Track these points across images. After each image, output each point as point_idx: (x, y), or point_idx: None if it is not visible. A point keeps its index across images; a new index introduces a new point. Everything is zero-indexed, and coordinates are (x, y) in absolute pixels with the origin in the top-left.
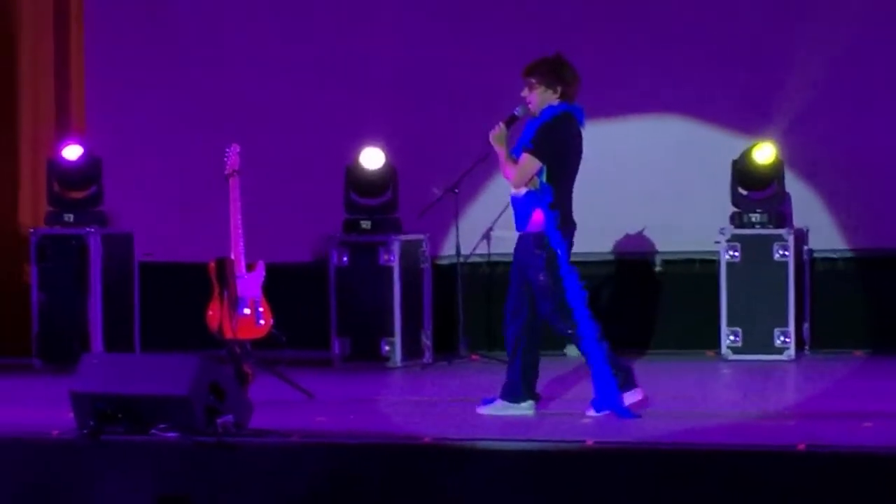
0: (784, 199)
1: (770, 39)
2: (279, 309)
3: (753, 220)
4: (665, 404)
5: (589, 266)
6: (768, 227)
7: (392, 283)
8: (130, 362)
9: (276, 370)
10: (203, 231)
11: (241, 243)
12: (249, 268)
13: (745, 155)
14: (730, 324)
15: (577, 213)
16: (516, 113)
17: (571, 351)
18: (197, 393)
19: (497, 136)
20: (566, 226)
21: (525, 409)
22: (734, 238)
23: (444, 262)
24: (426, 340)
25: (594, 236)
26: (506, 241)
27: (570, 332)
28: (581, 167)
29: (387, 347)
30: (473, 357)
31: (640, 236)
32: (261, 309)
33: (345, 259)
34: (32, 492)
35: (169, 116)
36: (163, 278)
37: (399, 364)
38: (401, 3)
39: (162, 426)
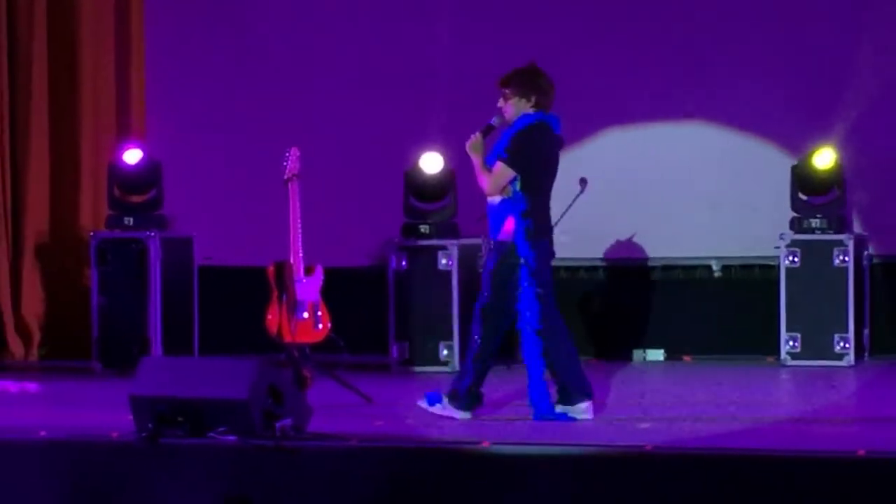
0: (844, 204)
1: (829, 44)
2: (337, 313)
3: (813, 225)
4: (723, 409)
5: (650, 271)
6: (828, 233)
7: (450, 287)
8: (189, 366)
9: (334, 374)
10: (262, 235)
11: (300, 247)
12: (308, 272)
13: (805, 160)
14: (789, 329)
15: (641, 220)
16: (493, 123)
17: (638, 356)
18: (255, 396)
19: (473, 145)
20: (540, 235)
21: (581, 411)
22: (794, 243)
23: None
24: None
25: (653, 241)
26: (565, 245)
27: (476, 336)
28: (640, 173)
29: (445, 352)
30: None
31: (698, 241)
32: (319, 313)
33: (403, 263)
34: (91, 494)
35: (229, 120)
36: (222, 282)
37: (457, 368)
38: (460, 6)
39: (220, 429)
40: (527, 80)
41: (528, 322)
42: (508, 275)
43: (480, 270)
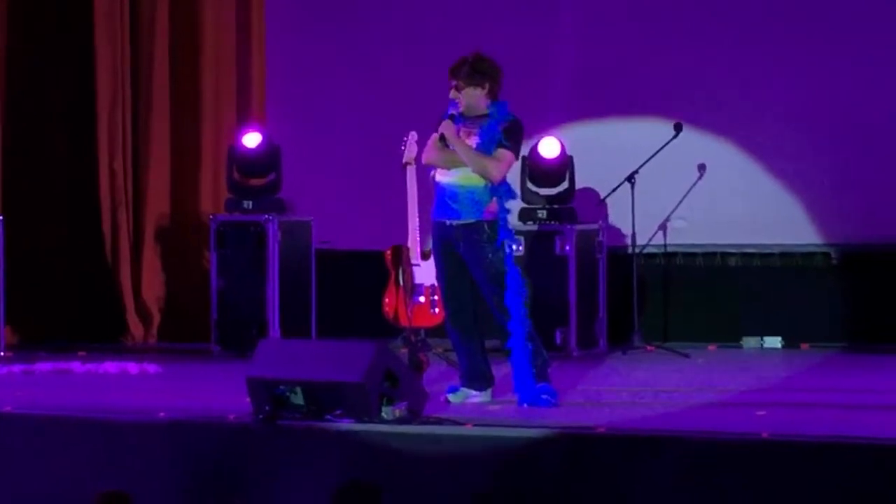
0: None
1: None
2: None
3: None
4: (840, 397)
5: (768, 258)
6: None
7: (567, 272)
8: (306, 348)
9: (450, 358)
10: (380, 219)
11: (418, 232)
12: (425, 256)
13: None
14: None
15: (758, 206)
16: (453, 112)
17: (747, 343)
18: (372, 379)
19: (453, 132)
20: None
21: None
22: None
23: (620, 252)
24: (600, 330)
25: (770, 227)
26: (683, 231)
27: (506, 321)
28: (756, 158)
29: (561, 337)
30: (648, 348)
31: (817, 227)
32: (436, 297)
33: (520, 248)
34: (208, 475)
35: (348, 104)
36: (339, 265)
37: (573, 354)
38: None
39: (337, 412)
40: (474, 70)
41: (519, 305)
42: (506, 258)
43: (597, 255)
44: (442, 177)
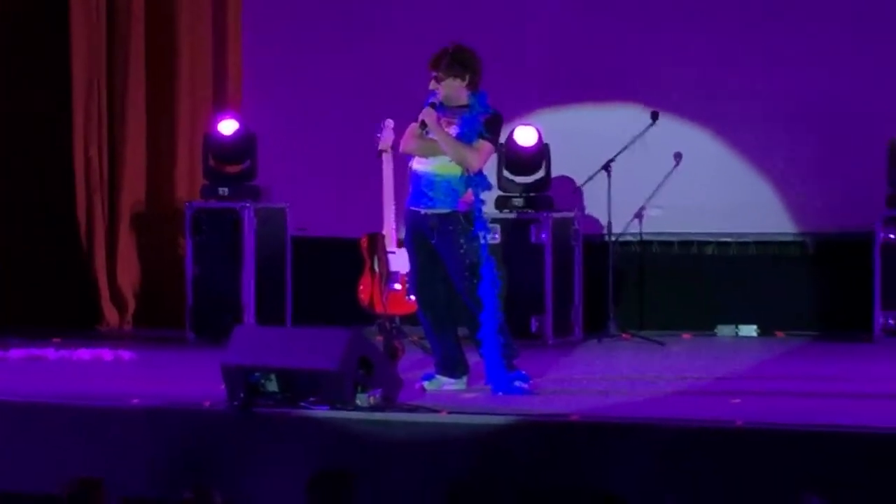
0: None
1: None
2: None
3: None
4: (814, 385)
5: (744, 247)
6: None
7: (543, 260)
8: (281, 335)
9: (425, 346)
10: (356, 206)
11: (393, 219)
12: (401, 244)
13: None
14: (885, 306)
15: (734, 195)
16: (434, 101)
17: (722, 331)
18: (346, 367)
19: (434, 121)
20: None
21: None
22: (890, 220)
23: (596, 240)
24: (576, 318)
25: (745, 216)
26: (659, 219)
27: (478, 311)
28: (733, 147)
29: (536, 325)
30: (624, 336)
31: (792, 216)
32: None
33: (496, 236)
34: (182, 461)
35: (324, 92)
36: (315, 253)
37: (548, 341)
38: None
39: (311, 399)
40: (455, 62)
41: (493, 297)
42: (481, 249)
43: (572, 243)
44: (419, 165)
